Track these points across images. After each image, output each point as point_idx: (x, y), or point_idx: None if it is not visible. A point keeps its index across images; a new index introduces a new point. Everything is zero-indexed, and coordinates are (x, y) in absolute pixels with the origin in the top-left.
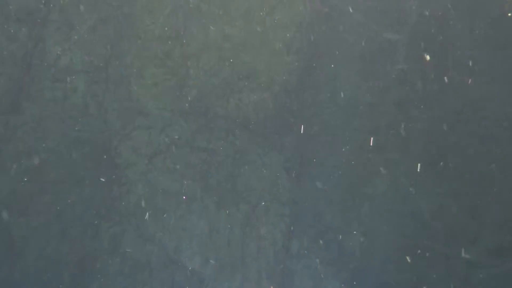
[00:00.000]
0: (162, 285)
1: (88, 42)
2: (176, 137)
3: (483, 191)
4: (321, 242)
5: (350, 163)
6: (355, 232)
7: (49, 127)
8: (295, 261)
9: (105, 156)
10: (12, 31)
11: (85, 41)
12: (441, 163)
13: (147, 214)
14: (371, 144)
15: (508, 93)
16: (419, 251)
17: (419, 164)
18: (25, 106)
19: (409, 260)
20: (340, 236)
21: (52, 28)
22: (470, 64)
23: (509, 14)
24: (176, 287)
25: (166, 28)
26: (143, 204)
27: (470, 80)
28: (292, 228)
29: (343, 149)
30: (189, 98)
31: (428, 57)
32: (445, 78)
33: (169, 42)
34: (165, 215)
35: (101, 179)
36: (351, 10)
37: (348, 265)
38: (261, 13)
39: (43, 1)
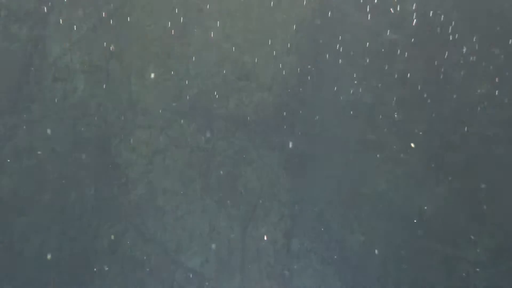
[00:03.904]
0: (162, 284)
1: (88, 42)
2: (176, 136)
3: (483, 191)
4: (321, 242)
5: (350, 163)
6: (355, 232)
7: (49, 126)
8: (295, 261)
9: (105, 156)
10: (12, 31)
11: (85, 41)
12: (442, 163)
13: (147, 214)
14: (371, 144)
15: (509, 93)
16: (419, 251)
17: (419, 164)
18: (25, 105)
19: (409, 260)
20: (341, 236)
21: (52, 28)
22: (471, 64)
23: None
24: (176, 286)
25: (166, 28)
26: (143, 203)
27: (470, 80)
28: (292, 228)
29: (343, 149)
30: (189, 98)
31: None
32: (446, 78)
33: (169, 42)
34: (165, 215)
35: (101, 178)
36: (351, 10)
37: (348, 265)
38: (261, 13)
39: (43, 1)
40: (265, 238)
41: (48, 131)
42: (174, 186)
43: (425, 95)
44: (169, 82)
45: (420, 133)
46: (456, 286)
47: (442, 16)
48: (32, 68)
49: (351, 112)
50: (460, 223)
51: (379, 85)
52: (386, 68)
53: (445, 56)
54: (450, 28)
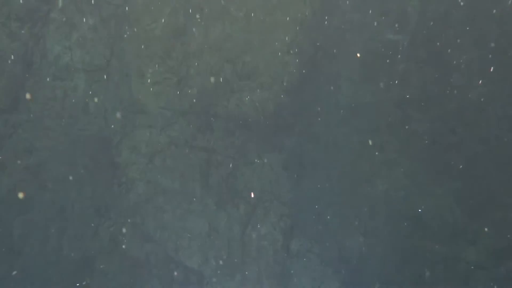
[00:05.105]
0: (161, 284)
1: (88, 41)
2: (176, 136)
3: (483, 191)
4: (321, 242)
5: (350, 163)
6: (355, 232)
7: (49, 125)
8: (295, 261)
9: (105, 155)
10: (13, 29)
11: (85, 40)
12: (441, 164)
13: (147, 213)
14: (371, 144)
15: (509, 94)
16: (419, 251)
17: (419, 164)
18: (26, 104)
19: (409, 260)
20: (340, 236)
21: (53, 27)
22: (471, 65)
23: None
24: (175, 286)
25: (166, 28)
26: (143, 203)
27: (470, 81)
28: (292, 228)
29: (343, 149)
30: (189, 98)
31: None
32: (446, 78)
33: (170, 42)
34: (164, 214)
35: (101, 177)
36: (351, 10)
37: (348, 265)
38: (261, 13)
39: (44, 0)
40: (265, 238)
41: (48, 129)
42: (174, 186)
43: (425, 95)
44: (169, 82)
45: (420, 133)
46: (456, 286)
47: (442, 17)
48: (33, 67)
49: (351, 112)
50: (460, 223)
51: (379, 85)
52: (386, 68)
53: (445, 56)
54: (450, 28)
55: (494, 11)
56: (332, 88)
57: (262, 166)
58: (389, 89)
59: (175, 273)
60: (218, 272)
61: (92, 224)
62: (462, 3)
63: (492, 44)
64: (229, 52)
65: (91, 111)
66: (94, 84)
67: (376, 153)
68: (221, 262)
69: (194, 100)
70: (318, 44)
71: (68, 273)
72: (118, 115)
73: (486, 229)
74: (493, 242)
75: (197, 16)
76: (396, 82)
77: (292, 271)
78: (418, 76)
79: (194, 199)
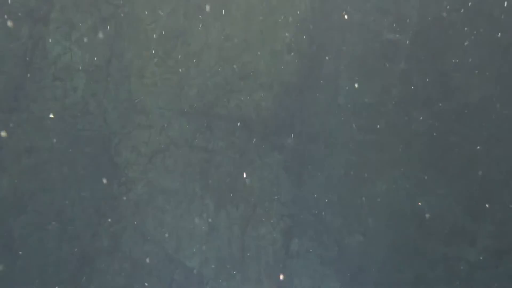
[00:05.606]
0: (161, 284)
1: (88, 41)
2: (176, 136)
3: (483, 191)
4: (321, 242)
5: (350, 163)
6: (354, 232)
7: (50, 125)
8: (295, 261)
9: (105, 155)
10: (12, 29)
11: (85, 40)
12: (441, 164)
13: (147, 213)
14: (371, 144)
15: (509, 94)
16: (419, 251)
17: (419, 165)
18: (25, 104)
19: (409, 260)
20: (340, 236)
21: (52, 27)
22: (471, 65)
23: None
24: (175, 286)
25: (166, 28)
26: (142, 203)
27: (470, 81)
28: (292, 228)
29: (343, 149)
30: (189, 98)
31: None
32: (446, 78)
33: (170, 41)
34: (164, 215)
35: (101, 178)
36: (351, 10)
37: (348, 265)
38: (261, 13)
39: (44, 0)
40: (265, 238)
41: (48, 129)
42: (174, 186)
43: (425, 95)
44: (169, 82)
45: (420, 133)
46: (456, 286)
47: (442, 16)
48: (32, 67)
49: (351, 112)
50: (460, 223)
51: (379, 85)
52: (386, 68)
53: (445, 56)
54: (450, 28)
55: (495, 10)
56: (332, 88)
57: (262, 166)
58: (389, 89)
59: (175, 273)
60: (218, 272)
61: (92, 224)
62: (462, 3)
63: (493, 44)
64: (229, 52)
65: (91, 111)
66: (94, 84)
67: (376, 153)
68: (221, 262)
69: (194, 100)
70: (318, 44)
71: (68, 273)
72: (118, 115)
73: (486, 229)
74: (493, 242)
75: (197, 16)
76: (396, 82)
77: (292, 271)
78: (418, 76)
79: (194, 199)
